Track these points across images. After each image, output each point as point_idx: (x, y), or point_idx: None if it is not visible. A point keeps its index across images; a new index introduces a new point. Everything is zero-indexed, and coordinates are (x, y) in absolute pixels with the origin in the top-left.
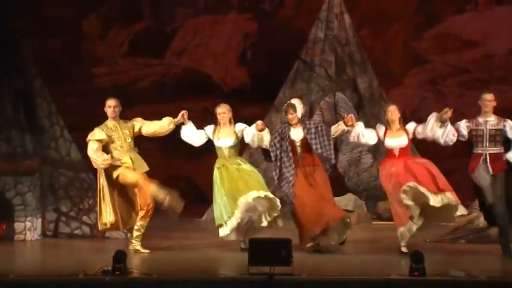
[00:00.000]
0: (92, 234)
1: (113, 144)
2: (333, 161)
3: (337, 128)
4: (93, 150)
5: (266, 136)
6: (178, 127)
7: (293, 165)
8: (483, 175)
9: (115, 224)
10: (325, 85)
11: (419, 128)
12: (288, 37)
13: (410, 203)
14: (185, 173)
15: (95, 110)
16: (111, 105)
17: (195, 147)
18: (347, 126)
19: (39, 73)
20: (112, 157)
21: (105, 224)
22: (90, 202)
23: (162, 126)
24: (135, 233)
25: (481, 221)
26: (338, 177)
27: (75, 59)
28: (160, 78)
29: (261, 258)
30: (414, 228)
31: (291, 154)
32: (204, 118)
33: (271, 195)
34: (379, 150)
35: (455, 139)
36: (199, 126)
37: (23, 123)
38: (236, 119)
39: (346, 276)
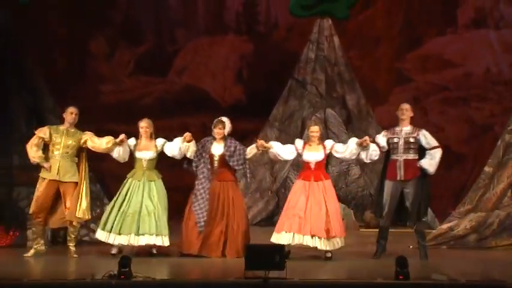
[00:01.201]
0: (99, 240)
1: (52, 147)
2: (248, 179)
3: (251, 150)
4: (30, 144)
5: (192, 148)
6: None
7: (210, 177)
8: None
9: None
10: (316, 102)
11: (338, 147)
12: (282, 57)
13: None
14: (186, 183)
15: (102, 125)
16: (72, 112)
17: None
18: (258, 150)
19: (51, 91)
20: (44, 159)
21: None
22: (98, 211)
23: (100, 144)
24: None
25: (461, 229)
26: None
27: (83, 77)
28: (163, 95)
29: (256, 263)
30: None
31: (209, 166)
32: (203, 132)
33: (157, 240)
34: (365, 163)
35: (378, 154)
36: (198, 139)
37: None
38: (233, 133)
39: (335, 279)
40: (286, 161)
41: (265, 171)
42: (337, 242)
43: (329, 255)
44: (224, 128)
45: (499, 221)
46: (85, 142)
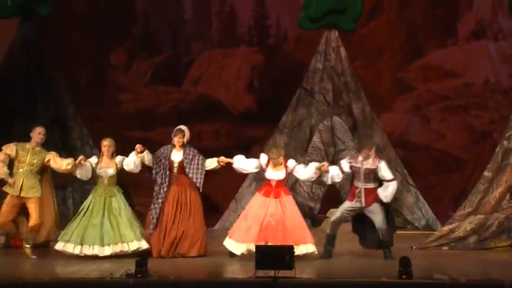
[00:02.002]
0: None
1: (17, 163)
2: (200, 188)
3: (212, 164)
4: None
5: (146, 156)
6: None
7: (167, 182)
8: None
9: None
10: (323, 110)
11: (299, 168)
12: (291, 68)
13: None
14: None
15: (120, 132)
16: (40, 133)
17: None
18: (219, 164)
19: (72, 100)
20: (8, 174)
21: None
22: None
23: (60, 165)
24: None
25: (461, 230)
26: (335, 191)
27: (103, 87)
28: (178, 104)
29: (266, 263)
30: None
31: (168, 172)
32: (216, 138)
33: (121, 249)
34: None
35: (341, 177)
36: (212, 145)
37: (58, 143)
38: (243, 139)
39: (341, 278)
40: None
41: None
42: (305, 248)
43: None
44: (184, 136)
45: (497, 223)
46: (48, 161)
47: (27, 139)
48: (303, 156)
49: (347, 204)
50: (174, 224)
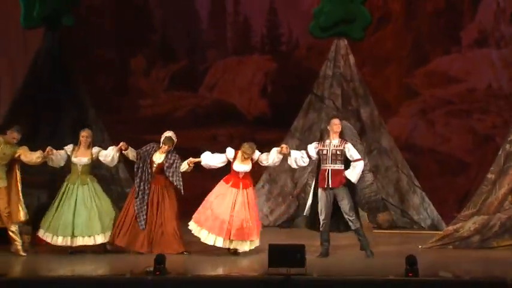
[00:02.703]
0: None
1: None
2: (180, 188)
3: (184, 166)
4: None
5: (130, 153)
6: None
7: (148, 179)
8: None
9: None
10: (333, 115)
11: (262, 157)
12: (302, 74)
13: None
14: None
15: (140, 135)
16: (15, 137)
17: (217, 170)
18: (189, 166)
19: (93, 104)
20: None
21: None
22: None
23: (31, 158)
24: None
25: (465, 230)
26: None
27: (123, 93)
28: (194, 109)
29: (279, 261)
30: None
31: (149, 170)
32: (230, 141)
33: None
34: (378, 169)
35: (307, 161)
36: (226, 147)
37: None
38: (257, 142)
39: (350, 276)
40: (305, 168)
41: (286, 177)
42: (255, 243)
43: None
44: (172, 145)
45: (500, 223)
46: (19, 156)
47: (51, 142)
48: None
49: (323, 194)
50: (151, 221)
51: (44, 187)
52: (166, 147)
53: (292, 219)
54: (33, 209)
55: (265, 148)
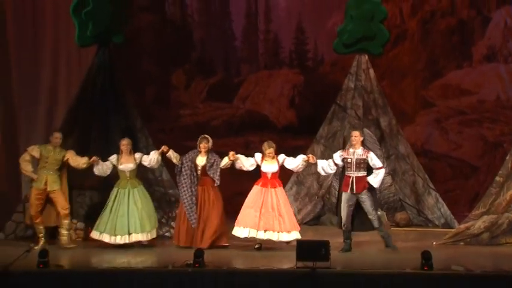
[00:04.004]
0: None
1: (42, 163)
2: (217, 181)
3: (224, 160)
4: (23, 159)
5: (172, 155)
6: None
7: (195, 182)
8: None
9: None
10: (355, 123)
11: (288, 160)
12: (327, 87)
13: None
14: (246, 189)
15: (180, 142)
16: (57, 137)
17: (251, 171)
18: (230, 160)
19: (140, 115)
20: (32, 172)
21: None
22: (177, 212)
23: (78, 164)
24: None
25: (476, 228)
26: None
27: (166, 104)
28: (229, 118)
29: (306, 255)
30: None
31: (194, 173)
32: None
33: (138, 239)
34: (396, 173)
35: (334, 169)
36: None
37: None
38: (286, 148)
39: (371, 270)
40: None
41: (312, 180)
42: (293, 235)
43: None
44: (208, 143)
45: (508, 221)
46: (67, 160)
47: (103, 147)
48: None
49: (346, 197)
50: (201, 219)
51: (96, 188)
52: (202, 145)
53: (318, 218)
54: (86, 208)
55: (293, 154)
